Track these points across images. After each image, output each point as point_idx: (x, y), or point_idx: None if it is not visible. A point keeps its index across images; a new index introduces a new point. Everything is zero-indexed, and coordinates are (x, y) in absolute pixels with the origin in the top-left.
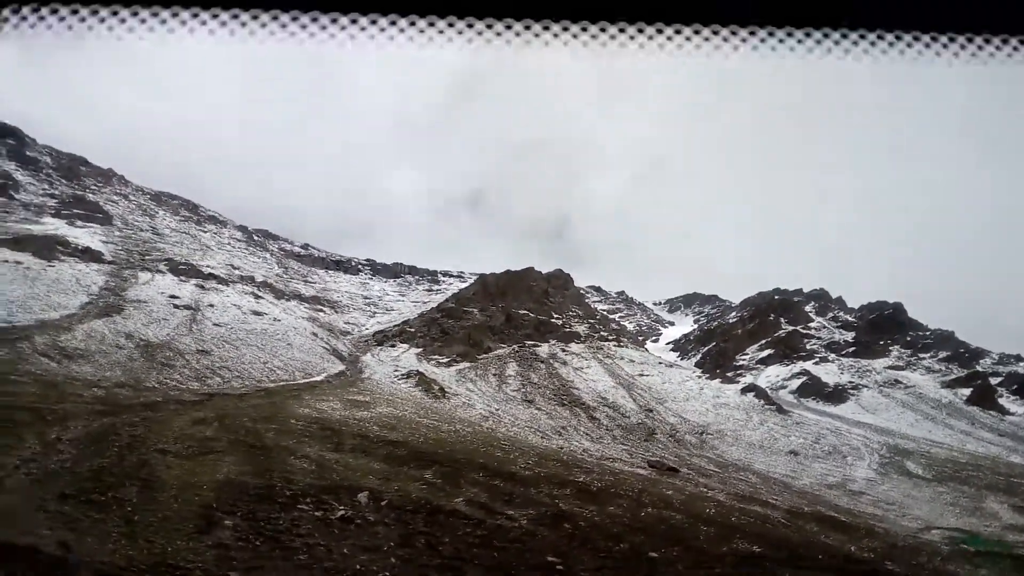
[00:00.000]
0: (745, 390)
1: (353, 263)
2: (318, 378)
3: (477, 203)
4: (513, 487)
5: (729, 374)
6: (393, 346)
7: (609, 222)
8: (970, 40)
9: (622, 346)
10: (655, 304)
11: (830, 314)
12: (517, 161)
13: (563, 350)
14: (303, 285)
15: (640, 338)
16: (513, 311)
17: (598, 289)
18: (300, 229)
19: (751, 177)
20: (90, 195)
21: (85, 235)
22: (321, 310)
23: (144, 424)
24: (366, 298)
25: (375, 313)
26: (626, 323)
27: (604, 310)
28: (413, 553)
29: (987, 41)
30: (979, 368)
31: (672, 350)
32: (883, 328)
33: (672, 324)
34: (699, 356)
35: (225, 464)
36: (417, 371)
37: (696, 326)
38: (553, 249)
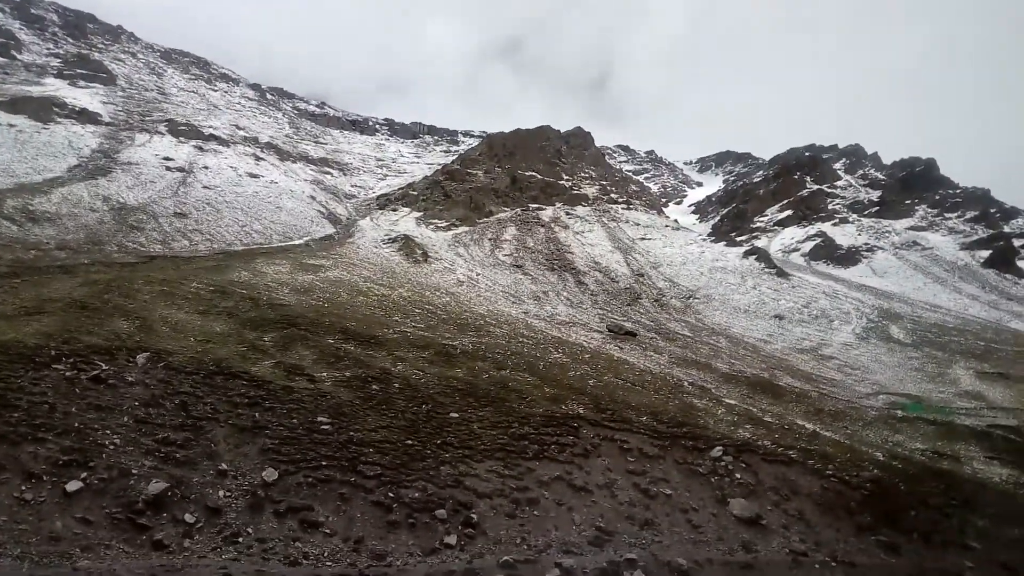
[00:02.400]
0: (747, 253)
1: (370, 123)
2: (297, 242)
3: (516, 52)
4: (357, 351)
5: (743, 237)
6: (395, 210)
7: (655, 71)
8: None
9: (631, 209)
10: (686, 164)
11: (860, 171)
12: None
13: (567, 213)
14: (312, 146)
15: (663, 200)
16: (519, 173)
17: (626, 148)
18: (326, 88)
19: (810, 21)
20: (95, 54)
21: (85, 96)
22: (328, 172)
23: (14, 287)
24: (379, 160)
25: (386, 176)
26: (650, 184)
27: (630, 171)
28: (156, 413)
29: None
30: (1007, 229)
31: (693, 212)
32: (912, 186)
33: (700, 184)
34: (717, 218)
35: (32, 325)
36: (404, 236)
37: (723, 186)
38: (593, 105)
